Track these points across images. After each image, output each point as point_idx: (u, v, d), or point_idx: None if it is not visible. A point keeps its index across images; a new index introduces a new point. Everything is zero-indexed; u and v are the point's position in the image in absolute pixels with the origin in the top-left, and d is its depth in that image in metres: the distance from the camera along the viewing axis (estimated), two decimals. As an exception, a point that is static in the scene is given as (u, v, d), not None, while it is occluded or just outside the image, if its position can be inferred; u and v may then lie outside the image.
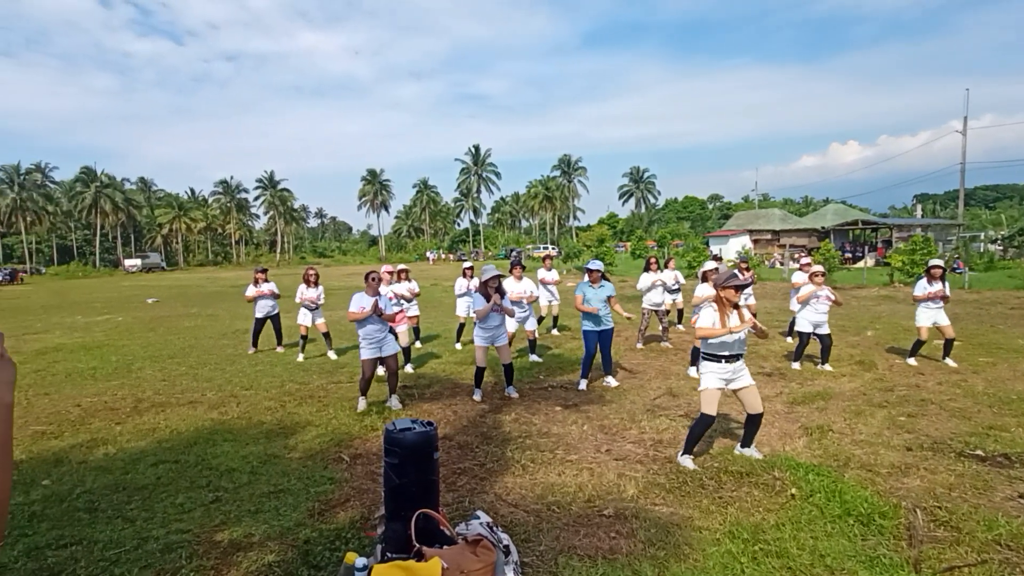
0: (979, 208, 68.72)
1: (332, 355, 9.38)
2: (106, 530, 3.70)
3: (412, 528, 2.77)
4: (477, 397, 6.67)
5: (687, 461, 4.59)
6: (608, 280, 7.25)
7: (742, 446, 4.79)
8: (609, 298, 7.01)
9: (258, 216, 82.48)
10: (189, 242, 76.82)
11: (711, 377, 4.53)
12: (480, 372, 6.70)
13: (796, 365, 7.96)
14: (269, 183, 78.31)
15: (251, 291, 9.80)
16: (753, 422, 4.63)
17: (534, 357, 8.81)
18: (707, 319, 4.52)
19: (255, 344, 10.02)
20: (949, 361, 7.97)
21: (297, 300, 9.37)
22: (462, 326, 10.30)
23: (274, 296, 9.88)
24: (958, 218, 40.92)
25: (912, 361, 8.09)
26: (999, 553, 3.23)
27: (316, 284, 9.43)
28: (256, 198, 79.18)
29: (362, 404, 6.32)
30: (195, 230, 73.54)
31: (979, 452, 4.76)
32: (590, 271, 7.05)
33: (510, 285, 8.45)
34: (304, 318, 9.37)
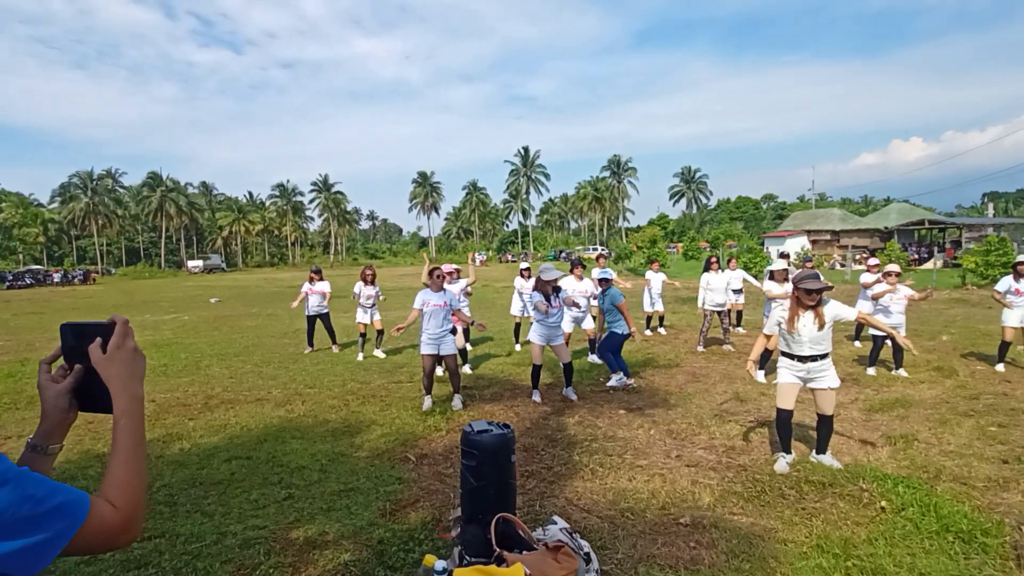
0: (1056, 205, 63.99)
1: (379, 353, 9.56)
2: (186, 524, 3.82)
3: (492, 532, 2.73)
4: (536, 398, 6.62)
5: (782, 465, 4.47)
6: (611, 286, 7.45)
7: (817, 452, 4.58)
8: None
9: (312, 218, 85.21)
10: (247, 244, 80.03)
11: (783, 371, 4.56)
12: (536, 370, 6.68)
13: (871, 370, 7.56)
14: (323, 186, 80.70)
15: (304, 288, 10.12)
16: (823, 424, 4.53)
17: (594, 358, 8.68)
18: (775, 318, 4.56)
19: (311, 343, 10.28)
20: (1000, 367, 7.43)
21: (355, 294, 9.56)
22: (518, 326, 10.26)
23: (323, 295, 10.08)
24: (1035, 217, 38.23)
25: (1000, 367, 7.54)
26: None
27: (373, 282, 9.61)
28: (311, 201, 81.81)
29: (427, 403, 6.37)
30: (253, 232, 76.58)
31: (1086, 467, 4.37)
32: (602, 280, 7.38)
33: (570, 284, 8.37)
34: (363, 316, 9.55)
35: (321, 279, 10.19)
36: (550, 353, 7.00)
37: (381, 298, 9.72)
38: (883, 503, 3.80)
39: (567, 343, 8.60)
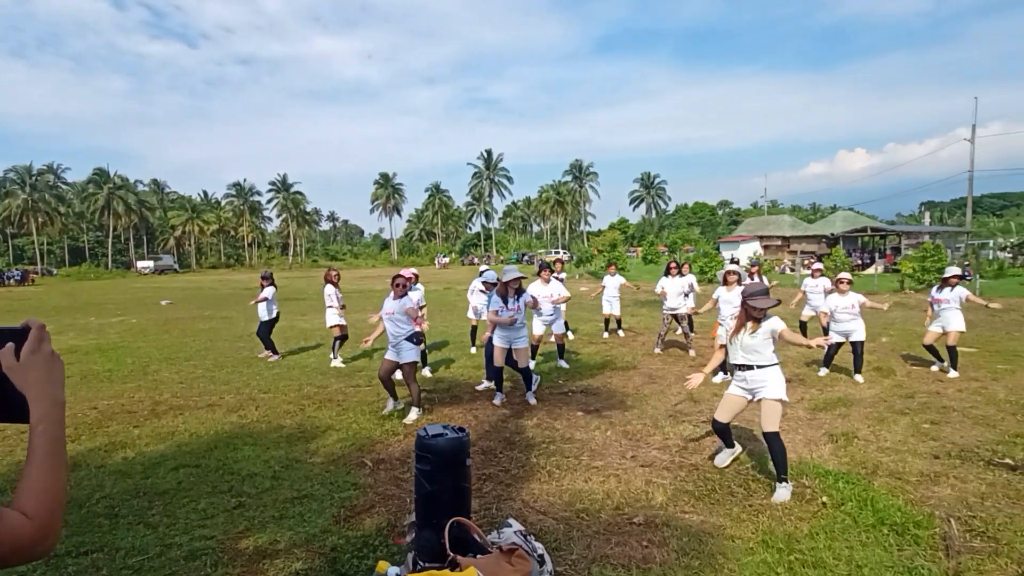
0: (986, 216, 68.22)
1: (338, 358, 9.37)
2: (127, 536, 3.67)
3: (446, 536, 2.73)
4: (497, 401, 6.65)
5: (720, 457, 4.66)
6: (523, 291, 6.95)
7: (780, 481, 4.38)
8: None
9: (271, 219, 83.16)
10: (202, 244, 77.39)
11: (733, 383, 4.56)
12: (498, 372, 6.67)
13: (823, 371, 7.85)
14: (282, 186, 78.83)
15: (268, 292, 9.75)
16: (768, 443, 4.22)
17: (562, 362, 8.74)
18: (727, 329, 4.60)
19: (275, 350, 9.84)
20: (952, 372, 7.74)
21: (332, 296, 9.24)
22: (475, 328, 10.29)
23: (267, 301, 9.72)
24: (966, 225, 40.66)
25: (936, 368, 7.96)
26: (1042, 566, 3.15)
27: (336, 284, 9.43)
28: (269, 201, 79.83)
29: (390, 405, 6.32)
30: (208, 232, 74.12)
31: (1008, 461, 4.67)
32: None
33: (537, 288, 8.42)
34: (336, 318, 9.25)
35: (271, 284, 9.84)
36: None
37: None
38: (824, 499, 3.98)
39: (538, 345, 8.68)
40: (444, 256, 71.09)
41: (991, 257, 31.43)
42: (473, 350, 10.06)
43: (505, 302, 6.54)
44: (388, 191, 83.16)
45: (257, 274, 10.08)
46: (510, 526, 3.11)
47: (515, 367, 6.73)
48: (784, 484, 4.11)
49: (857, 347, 7.62)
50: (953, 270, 8.01)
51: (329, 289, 9.31)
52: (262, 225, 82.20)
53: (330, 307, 9.26)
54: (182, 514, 3.98)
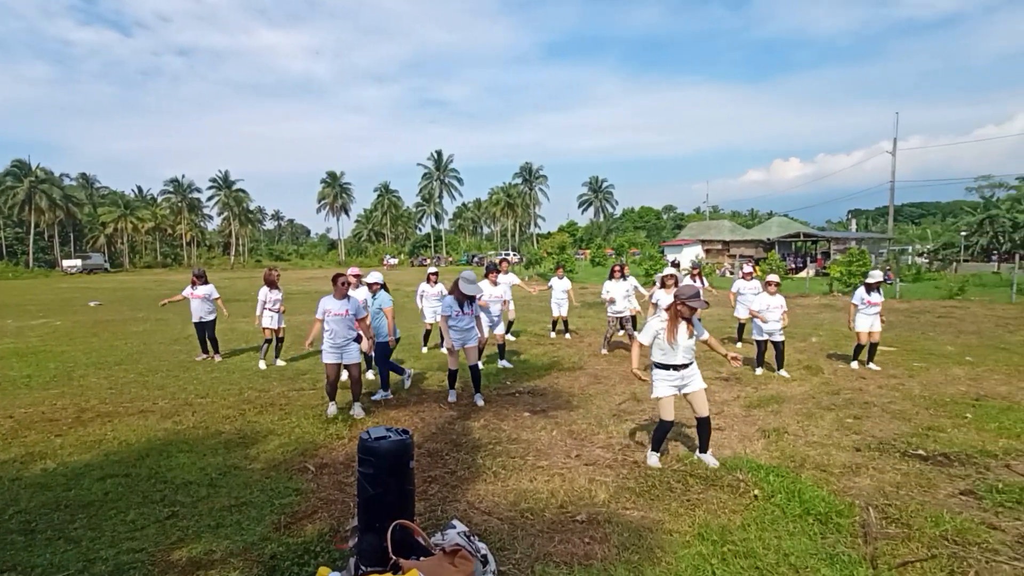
0: (906, 223, 73.25)
1: (279, 362, 9.16)
2: (45, 553, 3.46)
3: (389, 540, 2.72)
4: (452, 399, 6.72)
5: (654, 460, 4.76)
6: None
7: (700, 452, 4.88)
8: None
9: (211, 217, 79.83)
10: (136, 243, 73.43)
11: (663, 385, 4.70)
12: (454, 374, 6.73)
13: (759, 371, 8.21)
14: (224, 183, 75.74)
15: (186, 292, 9.53)
16: (703, 425, 4.76)
17: (504, 363, 8.81)
18: (652, 329, 4.69)
19: (204, 350, 9.63)
20: (872, 365, 8.44)
21: (260, 300, 9.07)
22: (428, 332, 10.27)
23: (209, 300, 9.52)
24: (888, 232, 43.50)
25: (855, 365, 8.48)
26: (947, 548, 3.42)
27: (278, 286, 9.17)
28: (210, 198, 76.58)
29: (332, 409, 6.21)
30: (142, 230, 70.39)
31: (921, 452, 5.03)
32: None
33: (485, 289, 8.47)
34: (269, 321, 9.07)
35: (205, 283, 9.53)
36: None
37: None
38: (756, 491, 4.18)
39: (483, 347, 8.69)
40: (392, 257, 70.17)
41: (910, 262, 33.73)
42: (424, 349, 10.08)
43: (460, 307, 6.58)
44: (336, 190, 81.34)
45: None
46: (454, 527, 3.12)
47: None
48: (710, 453, 4.83)
49: (779, 346, 8.12)
50: (877, 275, 8.58)
51: (262, 291, 9.08)
52: (202, 223, 78.80)
53: (267, 309, 9.03)
54: (108, 527, 3.79)
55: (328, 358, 6.15)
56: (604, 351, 9.91)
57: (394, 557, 2.68)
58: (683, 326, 4.63)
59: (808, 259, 38.23)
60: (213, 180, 75.95)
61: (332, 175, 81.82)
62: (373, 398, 6.93)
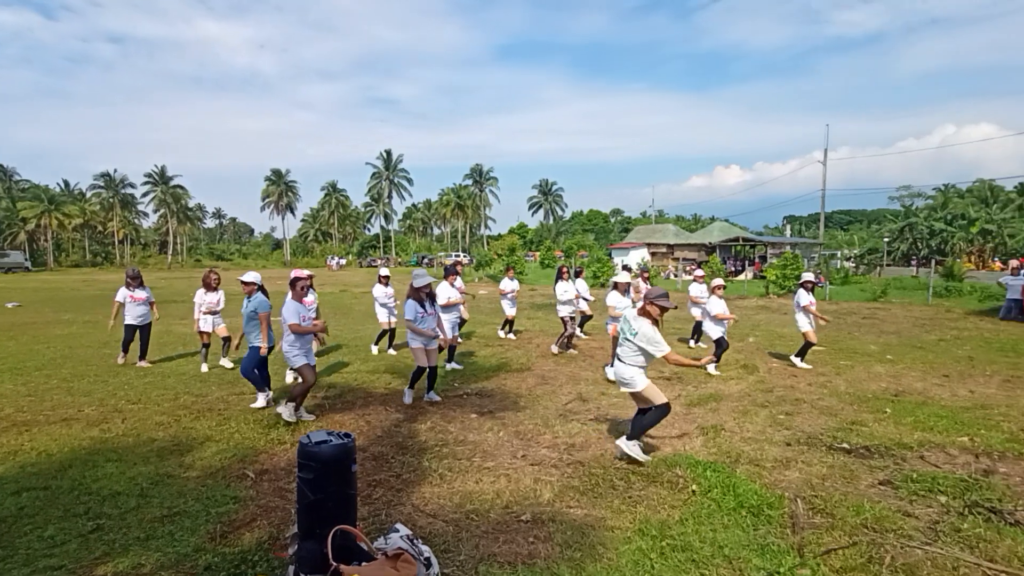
0: (836, 230, 77.75)
1: (227, 363, 8.83)
2: (-54, 576, 3.22)
3: (329, 546, 2.67)
4: (407, 400, 6.67)
5: (641, 455, 4.80)
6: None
7: (629, 439, 4.96)
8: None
9: (147, 214, 75.84)
10: (61, 240, 68.90)
11: (645, 375, 4.87)
12: (420, 373, 6.63)
13: (713, 369, 8.45)
14: (160, 178, 72.11)
15: (121, 296, 9.00)
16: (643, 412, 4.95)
17: (453, 365, 8.77)
18: (650, 330, 4.78)
19: (125, 351, 9.10)
20: (796, 360, 8.94)
21: (196, 303, 8.72)
22: (383, 332, 10.10)
23: (146, 303, 9.10)
24: (819, 238, 45.97)
25: (805, 364, 8.83)
26: (866, 535, 3.65)
27: (217, 288, 8.82)
28: (145, 194, 72.75)
29: (305, 415, 6.05)
30: (69, 227, 66.05)
31: (845, 445, 5.35)
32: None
33: (446, 290, 8.41)
34: (206, 324, 8.72)
35: (141, 284, 9.04)
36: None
37: (221, 306, 8.89)
38: (694, 487, 4.34)
39: (445, 348, 8.63)
40: (340, 257, 68.65)
41: (838, 266, 35.68)
42: (374, 349, 10.00)
43: (422, 307, 6.54)
44: (280, 188, 78.89)
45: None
46: (397, 531, 3.09)
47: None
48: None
49: (725, 345, 8.48)
50: (808, 275, 9.10)
51: (199, 293, 8.74)
52: (136, 220, 74.79)
53: (203, 312, 8.70)
54: (23, 544, 3.54)
55: (302, 360, 5.98)
56: (555, 349, 10.03)
57: (334, 563, 2.64)
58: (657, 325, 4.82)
59: (747, 263, 39.90)
60: (149, 175, 72.33)
61: (277, 172, 79.38)
62: (253, 406, 6.48)
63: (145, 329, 9.10)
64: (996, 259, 46.87)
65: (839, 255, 44.45)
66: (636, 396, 4.90)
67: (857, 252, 45.77)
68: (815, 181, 40.74)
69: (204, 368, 8.59)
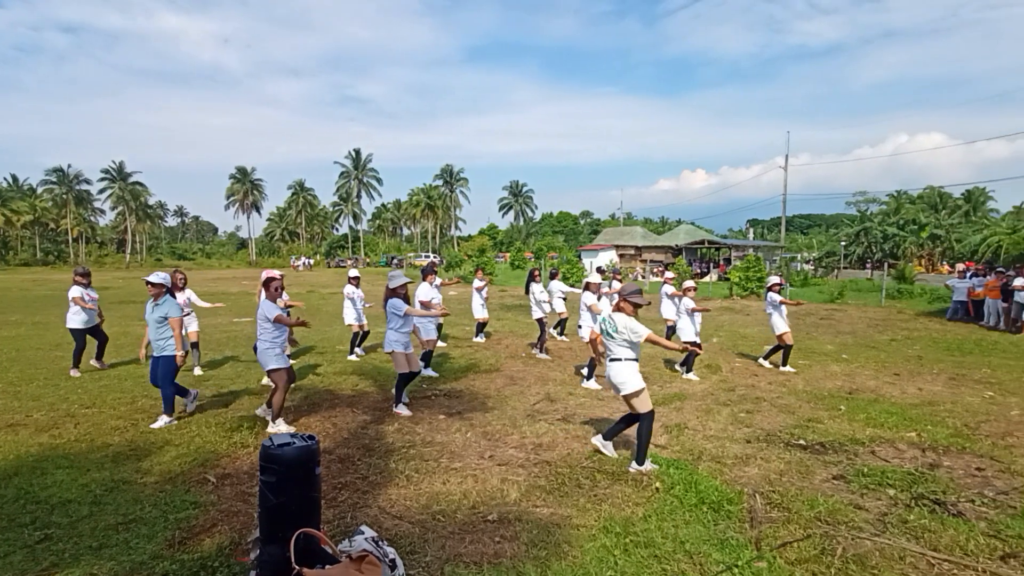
0: (797, 233, 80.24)
1: (197, 371, 8.45)
2: None
3: (291, 549, 2.64)
4: (405, 412, 6.35)
5: (648, 465, 4.73)
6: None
7: (605, 438, 5.09)
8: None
9: (103, 211, 73.09)
10: (9, 237, 65.91)
11: (640, 377, 4.79)
12: (405, 379, 6.46)
13: (693, 376, 8.42)
14: (118, 175, 69.61)
15: (78, 293, 8.42)
16: (629, 421, 4.94)
17: (429, 372, 8.62)
18: (628, 320, 4.78)
19: (78, 363, 8.43)
20: (764, 362, 9.19)
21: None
22: (356, 334, 9.90)
23: (93, 300, 8.57)
24: (781, 241, 47.32)
25: (789, 368, 8.91)
26: (820, 528, 3.79)
27: (183, 288, 8.51)
28: (101, 191, 70.08)
29: (283, 426, 5.79)
30: (17, 224, 63.21)
31: (802, 442, 5.53)
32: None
33: (425, 291, 8.30)
34: None
35: (89, 284, 8.58)
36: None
37: (188, 309, 8.56)
38: (657, 484, 4.43)
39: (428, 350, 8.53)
40: (308, 258, 67.43)
41: (799, 269, 36.83)
42: (352, 356, 9.67)
43: (409, 304, 6.49)
44: (246, 186, 77.07)
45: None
46: (362, 533, 3.08)
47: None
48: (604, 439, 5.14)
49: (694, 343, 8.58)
50: (774, 278, 9.38)
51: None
52: (92, 218, 72.04)
53: None
54: (-37, 557, 3.39)
55: (283, 361, 5.81)
56: (542, 355, 9.92)
57: (297, 567, 2.61)
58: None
59: (712, 265, 40.79)
60: (106, 171, 69.76)
61: (242, 170, 77.55)
62: (154, 425, 5.84)
63: (97, 330, 8.66)
64: (944, 263, 49.06)
65: (799, 258, 45.86)
66: (628, 399, 4.82)
67: (816, 255, 47.40)
68: (777, 186, 41.84)
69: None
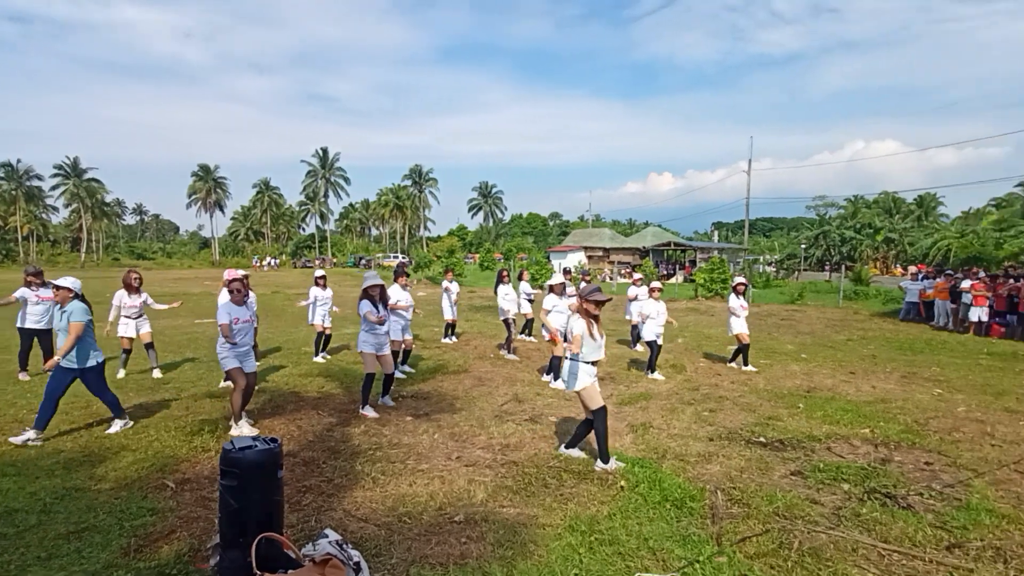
0: (759, 236, 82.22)
1: (157, 373, 8.20)
2: None
3: (253, 555, 2.60)
4: (370, 413, 6.29)
5: (613, 464, 4.78)
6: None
7: (568, 447, 5.15)
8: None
9: (56, 209, 70.03)
10: (-49, 236, 62.65)
11: (585, 376, 4.83)
12: (370, 380, 6.41)
13: (658, 375, 8.52)
14: (72, 171, 66.88)
15: (25, 293, 8.02)
16: (588, 426, 4.95)
17: (405, 368, 8.58)
18: (579, 328, 4.81)
19: (25, 365, 8.13)
20: (733, 364, 9.41)
21: (114, 305, 8.08)
22: (320, 336, 9.70)
23: (42, 301, 8.08)
24: (744, 244, 48.49)
25: (750, 368, 9.11)
26: (778, 523, 3.91)
27: (139, 290, 8.23)
28: (54, 187, 67.18)
29: (246, 428, 5.68)
30: (-40, 221, 60.16)
31: (762, 439, 5.69)
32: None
33: (396, 293, 8.20)
34: (127, 329, 8.12)
35: (43, 284, 8.12)
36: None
37: (143, 308, 8.29)
38: (623, 482, 4.49)
39: (399, 352, 8.42)
40: (274, 258, 66.05)
41: (761, 271, 37.80)
42: (318, 358, 9.51)
43: (375, 307, 6.41)
44: (209, 184, 75.05)
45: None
46: (326, 536, 3.04)
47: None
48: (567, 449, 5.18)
49: (658, 350, 8.73)
50: (740, 279, 9.63)
51: (118, 295, 8.12)
52: (44, 215, 69.00)
53: (124, 316, 8.11)
54: (-100, 571, 3.22)
55: (235, 363, 5.68)
56: (510, 356, 9.94)
57: (259, 572, 2.57)
58: (595, 325, 4.87)
59: (678, 267, 41.54)
60: (59, 167, 66.97)
61: (205, 168, 75.49)
62: (110, 431, 5.64)
63: (44, 334, 8.17)
64: (898, 265, 50.99)
65: (762, 260, 47.04)
66: (578, 396, 4.91)
67: (777, 257, 48.66)
68: (741, 189, 42.88)
69: (121, 374, 8.03)
